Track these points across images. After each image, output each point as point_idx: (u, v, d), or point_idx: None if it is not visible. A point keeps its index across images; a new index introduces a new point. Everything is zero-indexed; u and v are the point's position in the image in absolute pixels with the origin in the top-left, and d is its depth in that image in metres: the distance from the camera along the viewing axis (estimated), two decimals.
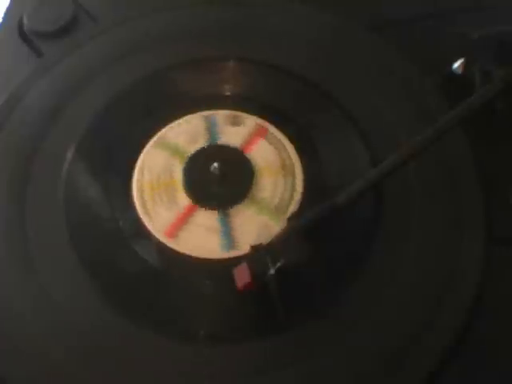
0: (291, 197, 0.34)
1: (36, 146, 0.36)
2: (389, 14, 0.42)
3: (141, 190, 0.34)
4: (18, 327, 0.30)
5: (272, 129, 0.36)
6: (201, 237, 0.33)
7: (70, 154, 0.35)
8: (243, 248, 0.32)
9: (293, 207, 0.33)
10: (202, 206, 0.34)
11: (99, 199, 0.35)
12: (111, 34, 0.40)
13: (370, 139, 0.35)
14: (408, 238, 0.32)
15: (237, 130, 0.36)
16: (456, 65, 0.37)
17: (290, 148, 0.36)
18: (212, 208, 0.34)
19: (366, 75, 0.38)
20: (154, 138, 0.36)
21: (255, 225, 0.33)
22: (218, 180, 0.34)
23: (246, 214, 0.33)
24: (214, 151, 0.36)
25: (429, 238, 0.32)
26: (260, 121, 0.37)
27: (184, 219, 0.33)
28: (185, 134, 0.36)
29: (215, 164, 0.34)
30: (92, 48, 0.39)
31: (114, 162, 0.36)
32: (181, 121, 0.37)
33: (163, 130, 0.36)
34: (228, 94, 0.38)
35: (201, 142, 0.36)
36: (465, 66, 0.37)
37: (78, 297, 0.31)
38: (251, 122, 0.36)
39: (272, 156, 0.35)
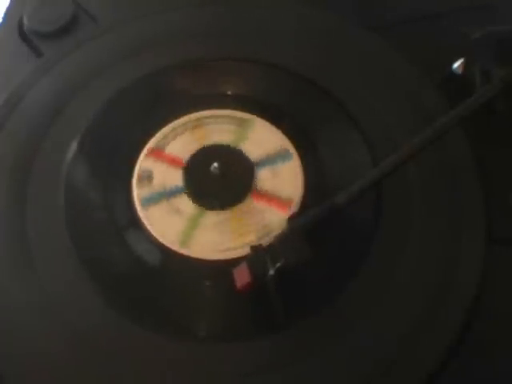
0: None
1: (36, 145, 0.36)
2: (389, 14, 0.42)
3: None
4: (18, 327, 0.30)
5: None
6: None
7: (70, 154, 0.35)
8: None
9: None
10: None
11: (99, 199, 0.35)
12: (111, 34, 0.40)
13: (369, 139, 0.35)
14: (408, 237, 0.32)
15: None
16: (456, 65, 0.37)
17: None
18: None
19: (366, 75, 0.38)
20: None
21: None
22: (219, 180, 0.34)
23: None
24: (213, 151, 0.36)
25: (429, 238, 0.32)
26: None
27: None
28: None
29: (215, 164, 0.34)
30: (92, 48, 0.39)
31: (115, 162, 0.36)
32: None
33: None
34: (228, 93, 0.38)
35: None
36: (465, 66, 0.37)
37: (78, 297, 0.31)
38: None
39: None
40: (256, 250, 0.31)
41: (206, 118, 0.37)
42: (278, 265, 0.29)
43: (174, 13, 0.41)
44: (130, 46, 0.39)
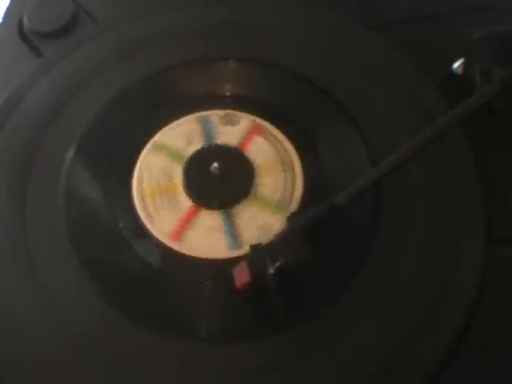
0: (292, 195, 0.34)
1: (36, 146, 0.36)
2: (389, 13, 0.42)
3: (141, 190, 0.34)
4: (18, 327, 0.30)
5: (272, 128, 0.36)
6: (202, 237, 0.33)
7: (70, 154, 0.35)
8: (245, 247, 0.32)
9: (293, 206, 0.33)
10: (202, 206, 0.34)
11: (99, 199, 0.35)
12: (111, 34, 0.40)
13: (369, 139, 0.35)
14: (408, 237, 0.32)
15: (233, 129, 0.36)
16: (456, 65, 0.37)
17: (289, 147, 0.36)
18: (213, 208, 0.34)
19: (365, 75, 0.38)
20: (154, 138, 0.36)
21: (257, 223, 0.33)
22: (219, 180, 0.34)
23: (247, 213, 0.33)
24: (214, 151, 0.36)
25: (429, 238, 0.32)
26: (255, 118, 0.37)
27: (184, 219, 0.33)
28: (181, 135, 0.36)
29: (215, 164, 0.34)
30: (92, 48, 0.39)
31: (115, 162, 0.36)
32: (175, 123, 0.37)
33: (161, 131, 0.36)
34: (227, 93, 0.38)
35: (197, 144, 0.36)
36: (465, 65, 0.37)
37: (78, 297, 0.31)
38: (246, 120, 0.36)
39: (272, 155, 0.35)
40: (256, 249, 0.31)
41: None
42: (278, 264, 0.29)
43: (174, 13, 0.41)
44: (130, 45, 0.39)
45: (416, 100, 0.37)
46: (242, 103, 0.37)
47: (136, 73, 0.38)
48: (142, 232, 0.33)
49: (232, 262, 0.31)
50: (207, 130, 0.36)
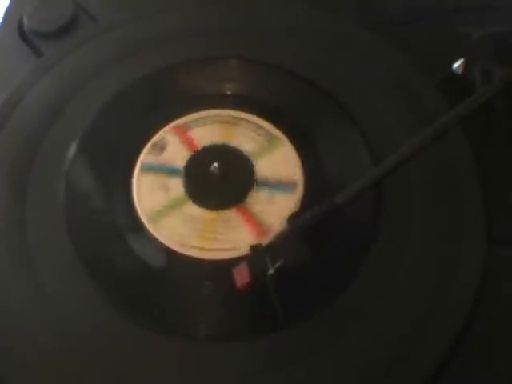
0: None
1: (36, 145, 0.36)
2: (389, 13, 0.42)
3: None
4: (18, 326, 0.30)
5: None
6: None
7: (70, 154, 0.35)
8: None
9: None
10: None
11: (99, 199, 0.35)
12: (111, 34, 0.40)
13: (369, 139, 0.35)
14: (408, 237, 0.32)
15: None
16: (456, 65, 0.37)
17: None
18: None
19: (365, 75, 0.38)
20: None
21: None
22: (218, 180, 0.34)
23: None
24: (214, 151, 0.36)
25: (429, 238, 0.32)
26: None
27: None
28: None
29: (215, 164, 0.34)
30: (92, 48, 0.39)
31: (115, 162, 0.36)
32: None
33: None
34: (228, 93, 0.38)
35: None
36: (465, 65, 0.37)
37: (78, 297, 0.31)
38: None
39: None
40: (256, 249, 0.31)
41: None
42: (278, 264, 0.29)
43: (174, 13, 0.41)
44: (130, 45, 0.39)
45: (416, 100, 0.37)
46: (244, 104, 0.37)
47: (136, 72, 0.38)
48: (141, 232, 0.33)
49: (232, 263, 0.31)
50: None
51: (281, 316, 0.29)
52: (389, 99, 0.37)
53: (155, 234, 0.33)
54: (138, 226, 0.33)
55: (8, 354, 0.30)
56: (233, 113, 0.37)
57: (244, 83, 0.39)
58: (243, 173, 0.35)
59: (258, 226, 0.33)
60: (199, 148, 0.36)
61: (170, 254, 0.32)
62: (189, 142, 0.36)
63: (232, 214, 0.33)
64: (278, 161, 0.35)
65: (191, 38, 0.40)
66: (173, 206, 0.34)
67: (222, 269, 0.31)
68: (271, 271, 0.29)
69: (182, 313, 0.31)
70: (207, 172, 0.34)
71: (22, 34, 0.41)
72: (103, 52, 0.39)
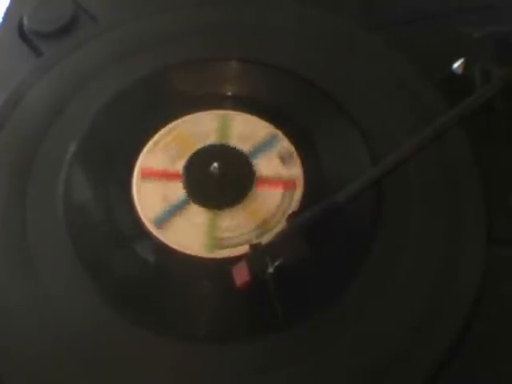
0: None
1: (36, 145, 0.36)
2: (388, 13, 0.42)
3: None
4: (18, 326, 0.30)
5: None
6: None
7: (69, 154, 0.35)
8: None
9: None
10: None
11: (99, 199, 0.35)
12: (111, 34, 0.40)
13: (369, 139, 0.35)
14: (408, 238, 0.32)
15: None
16: (456, 65, 0.37)
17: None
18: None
19: (365, 75, 0.38)
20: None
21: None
22: (218, 180, 0.34)
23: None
24: (214, 151, 0.36)
25: (429, 238, 0.32)
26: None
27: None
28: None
29: (215, 164, 0.34)
30: (92, 48, 0.39)
31: (114, 162, 0.36)
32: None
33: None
34: (228, 93, 0.38)
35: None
36: (465, 65, 0.37)
37: (78, 297, 0.31)
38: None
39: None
40: (255, 248, 0.31)
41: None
42: (277, 263, 0.29)
43: (173, 13, 0.41)
44: (130, 45, 0.39)
45: (416, 100, 0.37)
46: (244, 104, 0.37)
47: (136, 73, 0.38)
48: (142, 232, 0.33)
49: (232, 262, 0.31)
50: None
51: (281, 316, 0.29)
52: (388, 99, 0.37)
53: (155, 234, 0.33)
54: (138, 226, 0.33)
55: (8, 354, 0.30)
56: (171, 125, 0.37)
57: (244, 83, 0.39)
58: (242, 171, 0.35)
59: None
60: (196, 150, 0.35)
61: (170, 253, 0.32)
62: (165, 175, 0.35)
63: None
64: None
65: (191, 38, 0.40)
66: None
67: (222, 268, 0.31)
68: (270, 270, 0.29)
69: (181, 313, 0.31)
70: (207, 172, 0.34)
71: (22, 34, 0.41)
72: (103, 52, 0.39)
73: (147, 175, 0.35)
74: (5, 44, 0.41)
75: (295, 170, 0.35)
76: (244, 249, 0.31)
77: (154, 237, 0.33)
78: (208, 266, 0.32)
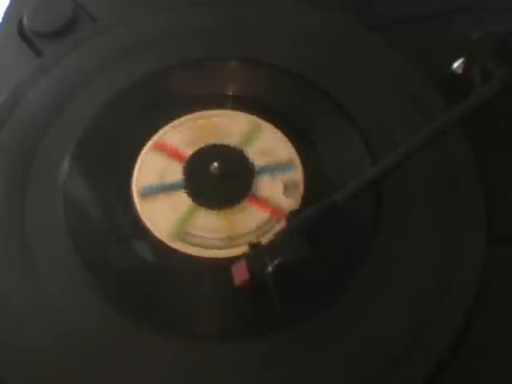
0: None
1: (36, 145, 0.36)
2: (388, 13, 0.42)
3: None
4: (18, 326, 0.30)
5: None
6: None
7: (69, 154, 0.35)
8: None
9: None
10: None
11: (99, 199, 0.35)
12: (111, 34, 0.40)
13: (369, 138, 0.35)
14: (408, 237, 0.32)
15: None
16: (456, 65, 0.37)
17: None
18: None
19: (365, 75, 0.38)
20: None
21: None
22: (218, 179, 0.34)
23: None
24: (214, 151, 0.36)
25: (429, 238, 0.32)
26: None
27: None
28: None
29: (215, 164, 0.34)
30: (92, 48, 0.39)
31: (114, 162, 0.36)
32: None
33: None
34: (228, 93, 0.38)
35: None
36: (465, 65, 0.37)
37: (78, 296, 0.31)
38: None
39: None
40: (255, 247, 0.31)
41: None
42: (276, 262, 0.29)
43: (173, 13, 0.41)
44: (130, 45, 0.39)
45: (416, 100, 0.37)
46: (244, 104, 0.37)
47: (136, 72, 0.38)
48: (141, 231, 0.33)
49: (231, 261, 0.31)
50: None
51: (279, 315, 0.29)
52: (388, 99, 0.37)
53: (136, 201, 0.33)
54: (138, 226, 0.33)
55: (8, 354, 0.30)
56: (209, 112, 0.37)
57: (242, 83, 0.39)
58: (242, 182, 0.35)
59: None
60: (187, 156, 0.35)
61: (171, 253, 0.32)
62: (174, 153, 0.36)
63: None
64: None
65: (191, 38, 0.40)
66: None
67: (221, 267, 0.31)
68: (270, 269, 0.29)
69: (180, 312, 0.31)
70: (208, 169, 0.34)
71: (22, 34, 0.41)
72: (103, 52, 0.39)
73: (159, 147, 0.36)
74: (5, 44, 0.41)
75: (292, 204, 0.34)
76: (243, 248, 0.32)
77: (133, 202, 0.33)
78: (208, 265, 0.32)
